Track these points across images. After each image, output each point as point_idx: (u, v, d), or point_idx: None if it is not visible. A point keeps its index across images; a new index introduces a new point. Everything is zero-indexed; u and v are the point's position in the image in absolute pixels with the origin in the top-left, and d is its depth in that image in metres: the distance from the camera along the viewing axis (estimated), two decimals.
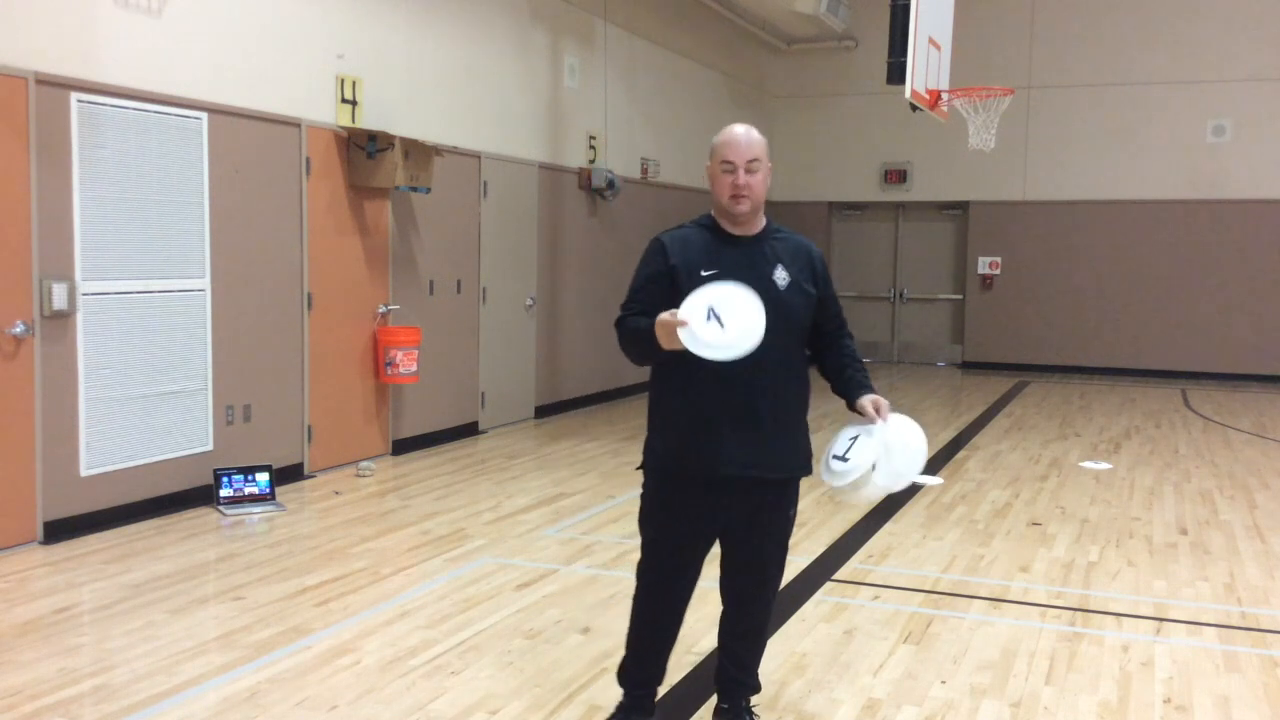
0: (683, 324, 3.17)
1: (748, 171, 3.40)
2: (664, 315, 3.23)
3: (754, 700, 3.80)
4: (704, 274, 3.35)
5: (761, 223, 3.54)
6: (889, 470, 3.38)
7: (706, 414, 3.39)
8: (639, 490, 3.64)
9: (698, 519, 3.50)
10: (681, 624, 3.67)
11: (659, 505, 3.53)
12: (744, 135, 3.44)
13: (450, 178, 8.99)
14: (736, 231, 3.50)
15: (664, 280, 3.43)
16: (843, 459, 3.38)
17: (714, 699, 3.81)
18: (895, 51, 9.41)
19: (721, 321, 3.18)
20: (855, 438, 3.43)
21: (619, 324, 3.51)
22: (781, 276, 3.46)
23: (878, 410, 3.44)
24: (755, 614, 3.66)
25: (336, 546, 6.00)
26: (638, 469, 3.64)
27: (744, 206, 3.43)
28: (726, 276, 3.31)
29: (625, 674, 3.73)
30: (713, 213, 3.55)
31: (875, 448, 3.38)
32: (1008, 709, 4.00)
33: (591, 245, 11.48)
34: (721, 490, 3.44)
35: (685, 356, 3.21)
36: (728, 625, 3.69)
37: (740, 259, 3.44)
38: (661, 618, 3.62)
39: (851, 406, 3.56)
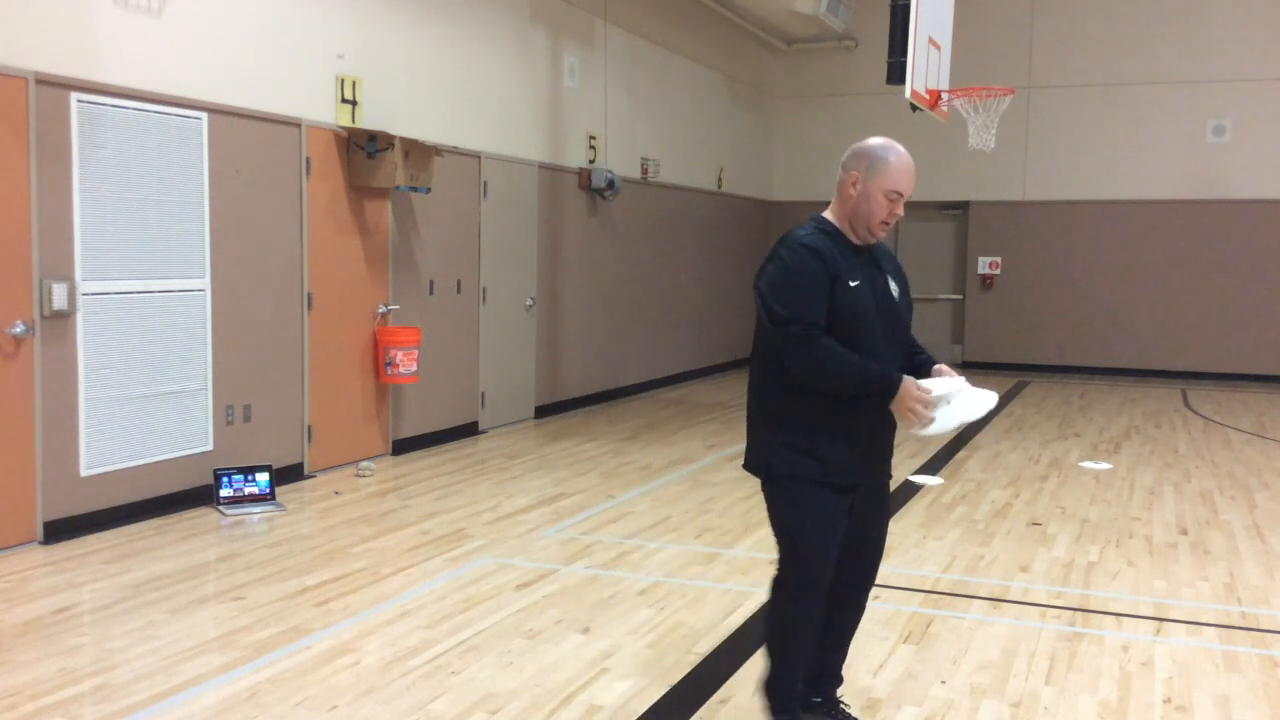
0: (929, 419, 3.33)
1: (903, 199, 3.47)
2: (913, 401, 3.33)
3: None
4: (851, 284, 3.38)
5: None
6: (967, 406, 3.51)
7: (867, 426, 3.44)
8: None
9: (843, 519, 3.52)
10: None
11: (817, 510, 3.46)
12: (912, 167, 3.47)
13: (450, 178, 8.99)
14: (858, 242, 3.52)
15: (827, 288, 3.36)
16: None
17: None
18: (895, 51, 9.41)
19: (947, 403, 3.41)
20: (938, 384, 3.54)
21: (810, 341, 3.34)
22: (894, 287, 3.56)
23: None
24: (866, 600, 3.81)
25: (336, 546, 6.00)
26: (777, 478, 3.50)
27: (884, 235, 3.50)
28: (864, 287, 3.40)
29: (783, 693, 3.63)
30: (833, 219, 3.52)
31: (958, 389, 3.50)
32: (1008, 709, 4.00)
33: (591, 245, 11.49)
34: (854, 492, 3.51)
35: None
36: (840, 622, 3.73)
37: (868, 269, 3.49)
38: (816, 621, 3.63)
39: (925, 373, 3.62)
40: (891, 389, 3.33)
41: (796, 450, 3.43)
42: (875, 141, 3.48)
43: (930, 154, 15.57)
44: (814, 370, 3.35)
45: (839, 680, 3.81)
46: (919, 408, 3.33)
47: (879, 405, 3.37)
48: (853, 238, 3.49)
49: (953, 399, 3.41)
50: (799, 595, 3.53)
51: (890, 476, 3.69)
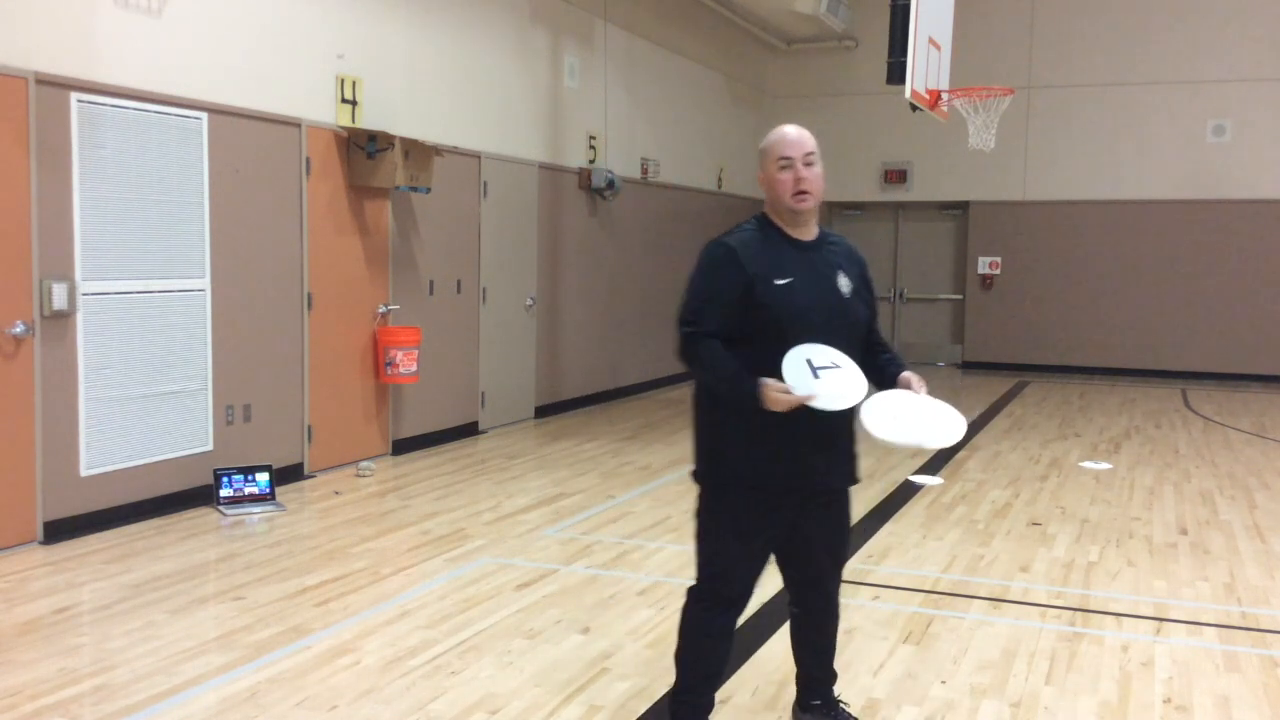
0: (808, 398, 3.14)
1: (806, 164, 3.35)
2: (774, 392, 3.14)
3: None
4: (778, 282, 3.29)
5: (816, 228, 3.49)
6: (928, 430, 3.40)
7: (792, 431, 3.27)
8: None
9: (772, 527, 3.43)
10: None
11: (731, 518, 3.40)
12: (796, 131, 3.40)
13: (450, 178, 8.99)
14: (797, 235, 3.42)
15: (738, 291, 3.29)
16: (895, 418, 3.38)
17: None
18: (895, 51, 9.41)
19: (820, 372, 3.21)
20: (902, 401, 3.44)
21: (692, 341, 3.33)
22: (844, 284, 3.43)
23: (919, 385, 3.48)
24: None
25: (336, 546, 6.00)
26: (700, 484, 3.47)
27: (807, 203, 3.36)
28: (798, 284, 3.29)
29: (688, 704, 3.58)
30: (769, 215, 3.46)
31: (925, 409, 3.41)
32: (1008, 709, 3.99)
33: (591, 245, 11.48)
34: (784, 502, 3.40)
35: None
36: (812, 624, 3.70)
37: (807, 265, 3.38)
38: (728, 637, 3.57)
39: (890, 382, 3.53)
40: (757, 395, 3.18)
41: (718, 458, 3.40)
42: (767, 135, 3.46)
43: (930, 154, 15.60)
44: (698, 373, 3.36)
45: (833, 677, 3.77)
46: (785, 399, 3.16)
47: (780, 412, 3.20)
48: (790, 230, 3.42)
49: (821, 382, 3.22)
50: (705, 603, 3.48)
51: (841, 487, 3.52)
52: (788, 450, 3.32)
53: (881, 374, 3.56)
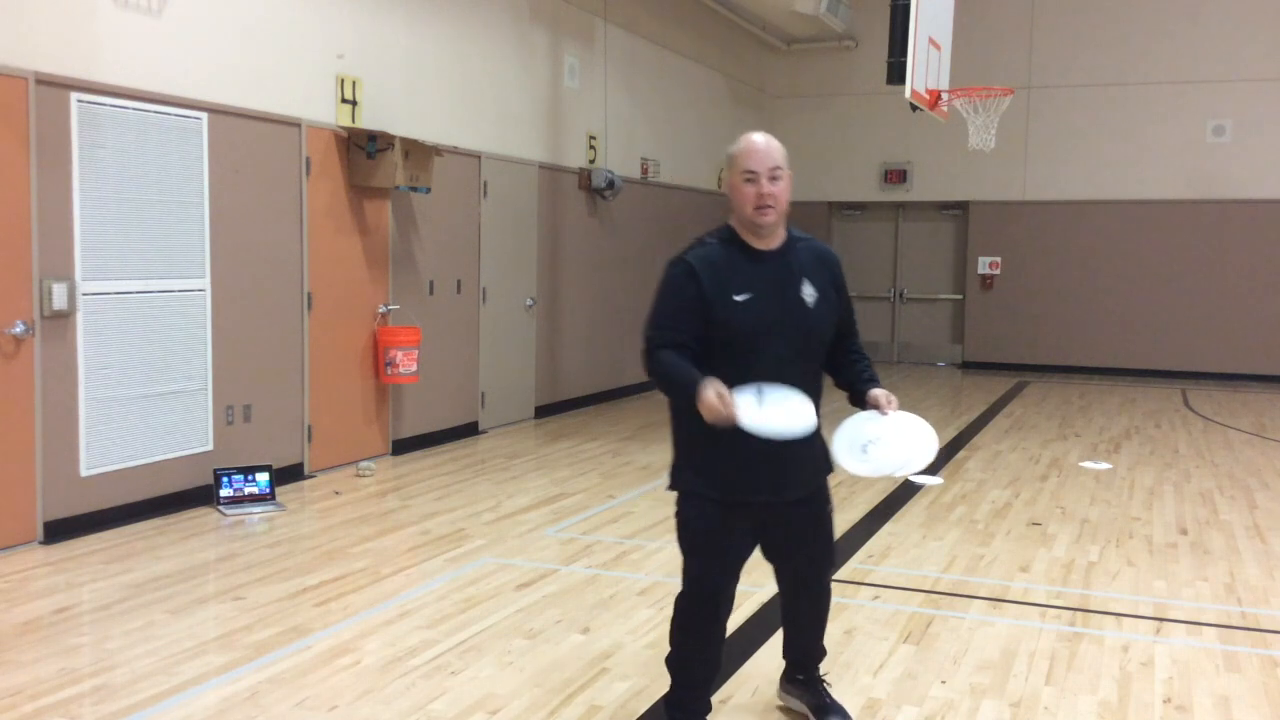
0: (736, 418, 3.15)
1: (771, 179, 3.31)
2: (711, 398, 3.14)
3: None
4: (736, 299, 3.29)
5: (783, 234, 3.47)
6: (904, 457, 3.38)
7: (740, 445, 3.26)
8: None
9: (741, 537, 3.49)
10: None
11: (700, 525, 3.47)
12: (764, 143, 3.34)
13: (450, 178, 8.99)
14: (760, 245, 3.40)
15: (696, 306, 3.32)
16: (864, 450, 3.39)
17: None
18: (895, 51, 9.41)
19: (765, 403, 3.23)
20: (871, 426, 3.42)
21: (651, 353, 3.37)
22: (809, 293, 3.41)
23: (887, 403, 3.44)
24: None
25: (336, 546, 6.00)
26: (675, 491, 3.54)
27: (770, 217, 3.34)
28: (756, 299, 3.30)
29: (685, 710, 3.62)
30: (733, 225, 3.44)
31: (895, 435, 3.39)
32: (1008, 709, 3.99)
33: (591, 245, 11.49)
34: (755, 509, 3.46)
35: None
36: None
37: (769, 278, 3.37)
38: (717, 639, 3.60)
39: (860, 399, 3.53)
40: (691, 392, 3.20)
41: (691, 467, 3.46)
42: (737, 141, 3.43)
43: (930, 154, 15.60)
44: (657, 383, 3.37)
45: (821, 654, 3.87)
46: (720, 408, 3.15)
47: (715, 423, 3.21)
48: (753, 241, 3.40)
49: (763, 401, 3.24)
50: (688, 608, 3.53)
51: (796, 497, 3.51)
52: (735, 462, 3.36)
53: (852, 388, 3.59)
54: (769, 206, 3.33)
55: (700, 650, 3.57)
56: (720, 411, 3.15)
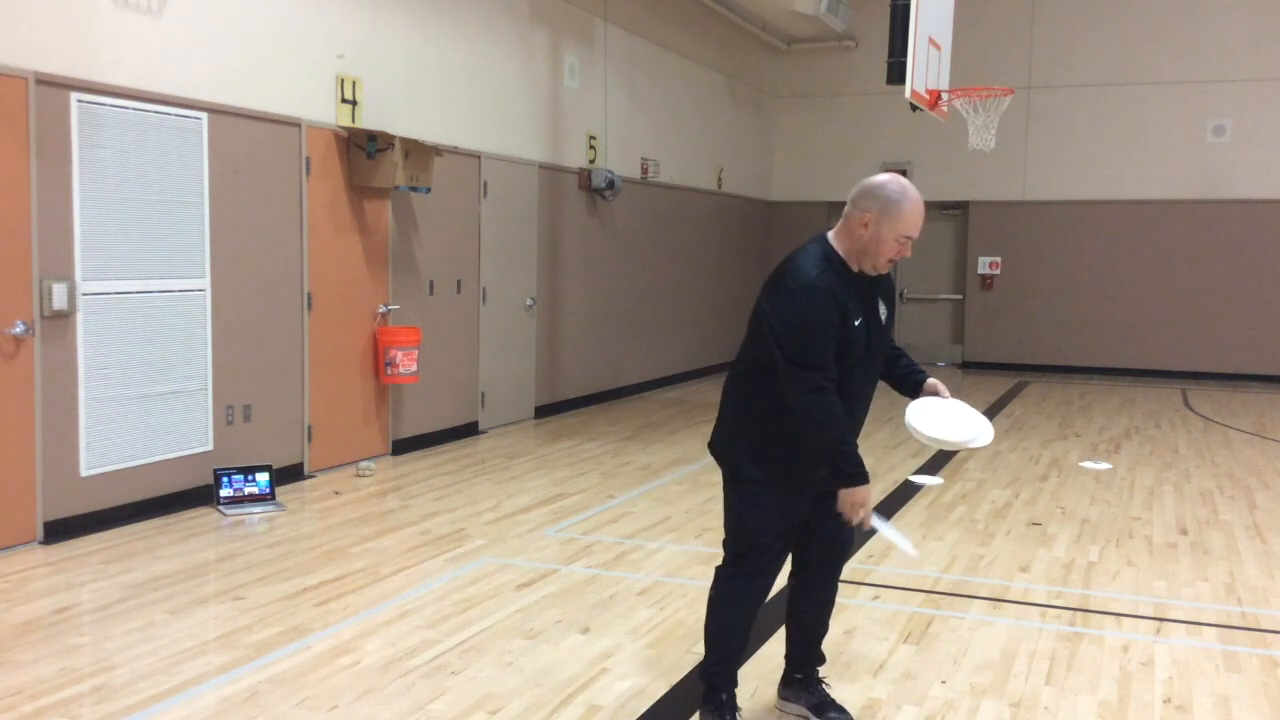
0: (871, 528, 3.57)
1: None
2: (868, 498, 3.50)
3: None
4: (855, 324, 3.43)
5: None
6: (974, 430, 3.72)
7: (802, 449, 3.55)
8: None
9: (797, 513, 3.67)
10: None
11: (773, 503, 3.61)
12: (923, 211, 3.54)
13: (450, 178, 8.99)
14: (855, 268, 3.54)
15: (833, 334, 3.41)
16: (941, 425, 3.70)
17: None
18: (895, 51, 9.40)
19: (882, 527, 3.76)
20: (943, 405, 3.74)
21: (823, 396, 3.39)
22: (884, 312, 3.63)
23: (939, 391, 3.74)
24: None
25: (336, 546, 6.00)
26: (740, 479, 3.65)
27: (888, 270, 3.56)
28: (865, 323, 3.48)
29: (724, 677, 3.77)
30: (834, 245, 3.52)
31: (964, 413, 3.74)
32: (1008, 709, 4.00)
33: (591, 245, 11.49)
34: (809, 495, 3.66)
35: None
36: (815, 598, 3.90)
37: (866, 301, 3.54)
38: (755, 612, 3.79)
39: (913, 388, 3.78)
40: (857, 481, 3.46)
41: (765, 459, 3.58)
42: (890, 185, 3.46)
43: (930, 154, 15.59)
44: (810, 420, 3.42)
45: (820, 659, 3.93)
46: (860, 511, 3.49)
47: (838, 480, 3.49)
48: (854, 265, 3.51)
49: (884, 531, 3.78)
50: (743, 576, 3.68)
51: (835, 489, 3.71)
52: (807, 458, 3.55)
53: (903, 380, 3.82)
54: (895, 262, 3.53)
55: (745, 616, 3.72)
56: (860, 515, 3.49)
